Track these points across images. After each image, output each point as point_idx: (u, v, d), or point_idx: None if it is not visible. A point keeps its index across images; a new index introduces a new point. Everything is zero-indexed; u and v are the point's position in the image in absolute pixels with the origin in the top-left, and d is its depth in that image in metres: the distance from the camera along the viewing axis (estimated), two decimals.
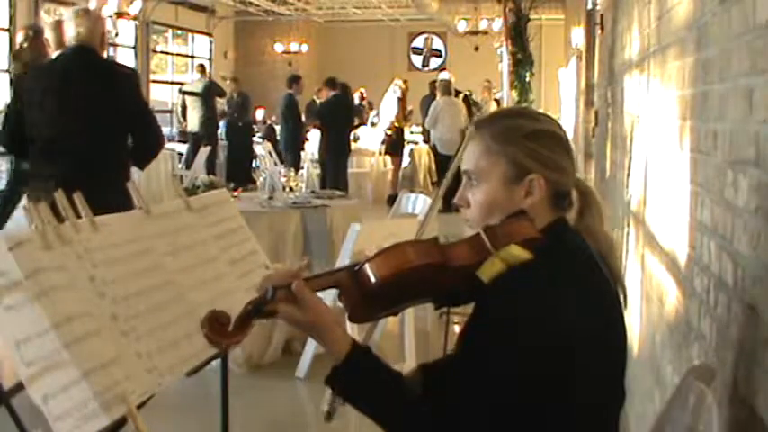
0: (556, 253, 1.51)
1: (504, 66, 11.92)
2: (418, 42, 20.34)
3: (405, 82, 12.61)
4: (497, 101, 14.01)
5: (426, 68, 19.77)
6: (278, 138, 12.12)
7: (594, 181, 6.24)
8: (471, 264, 1.50)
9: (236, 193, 5.73)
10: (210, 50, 18.07)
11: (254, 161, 12.20)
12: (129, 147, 4.07)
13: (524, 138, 1.57)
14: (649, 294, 2.84)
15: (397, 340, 4.59)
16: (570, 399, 1.46)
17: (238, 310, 1.49)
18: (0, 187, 5.52)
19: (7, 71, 6.33)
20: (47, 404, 1.48)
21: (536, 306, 1.45)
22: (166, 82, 16.55)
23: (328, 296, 1.58)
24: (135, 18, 13.23)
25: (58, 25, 4.31)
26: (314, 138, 11.58)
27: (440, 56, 20.23)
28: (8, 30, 11.18)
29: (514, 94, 11.36)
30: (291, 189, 5.60)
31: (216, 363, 2.10)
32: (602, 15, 6.02)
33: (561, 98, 14.00)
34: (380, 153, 12.38)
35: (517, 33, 11.23)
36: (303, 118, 11.68)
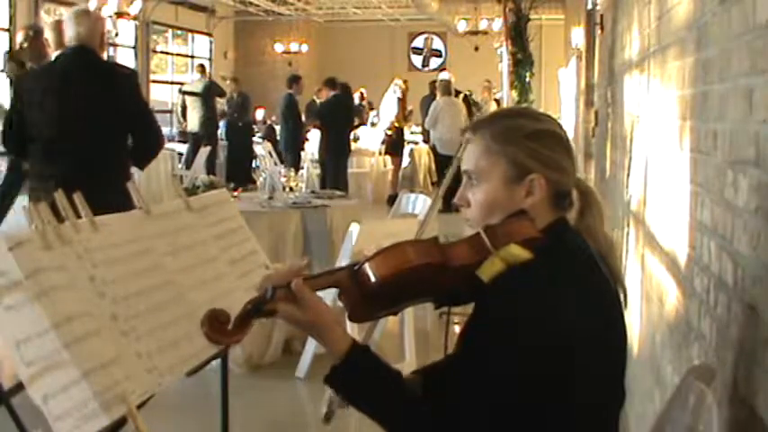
0: (556, 253, 1.51)
1: (504, 66, 11.91)
2: (418, 42, 20.34)
3: (405, 82, 12.61)
4: (497, 101, 14.01)
5: (426, 68, 19.77)
6: (278, 138, 12.12)
7: (594, 181, 6.23)
8: (471, 263, 1.50)
9: (236, 193, 5.73)
10: (210, 50, 18.08)
11: (254, 161, 12.20)
12: (128, 147, 4.08)
13: (525, 138, 1.57)
14: (649, 294, 2.84)
15: (397, 340, 4.60)
16: (570, 399, 1.46)
17: (238, 309, 1.49)
18: None
19: (2, 71, 6.31)
20: (47, 404, 1.48)
21: (536, 306, 1.45)
22: (166, 82, 16.56)
23: (328, 296, 1.58)
24: (135, 18, 13.24)
25: (57, 25, 4.32)
26: (314, 138, 11.58)
27: (440, 56, 20.24)
28: (8, 30, 11.18)
29: (514, 94, 11.36)
30: (291, 189, 5.60)
31: (216, 363, 2.09)
32: (602, 15, 6.02)
33: (561, 98, 13.99)
34: (380, 153, 12.38)
35: (517, 33, 11.22)
36: (303, 118, 11.68)
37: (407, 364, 4.23)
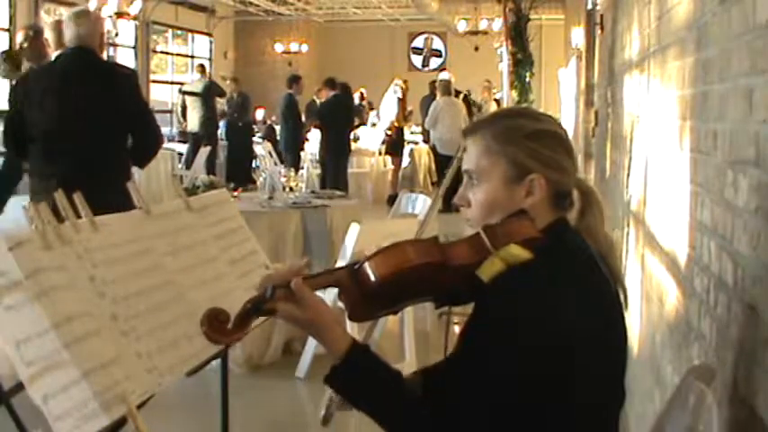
0: (556, 253, 1.51)
1: (504, 66, 11.91)
2: (418, 42, 20.34)
3: (405, 82, 12.61)
4: (497, 101, 14.01)
5: (426, 68, 19.77)
6: (278, 138, 12.11)
7: (594, 181, 6.23)
8: (471, 263, 1.50)
9: (236, 193, 5.73)
10: (210, 50, 18.08)
11: (254, 161, 12.20)
12: (128, 146, 4.08)
13: (525, 138, 1.57)
14: (649, 294, 2.84)
15: (397, 340, 4.60)
16: (570, 399, 1.46)
17: (238, 309, 1.49)
18: None
19: None
20: (47, 404, 1.48)
21: (536, 306, 1.45)
22: (166, 82, 16.56)
23: (329, 296, 1.58)
24: (135, 18, 13.24)
25: (57, 25, 4.32)
26: (314, 138, 11.58)
27: (440, 56, 20.23)
28: (8, 30, 11.18)
29: (514, 94, 11.36)
30: (291, 189, 5.60)
31: (216, 363, 2.09)
32: (602, 15, 6.02)
33: (561, 98, 14.00)
34: (380, 153, 12.38)
35: (517, 33, 11.22)
36: (303, 118, 11.68)
37: (407, 364, 4.23)
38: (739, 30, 1.59)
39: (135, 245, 1.85)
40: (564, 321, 1.44)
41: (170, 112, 15.22)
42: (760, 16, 1.44)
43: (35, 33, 5.21)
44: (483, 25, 16.83)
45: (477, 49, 17.79)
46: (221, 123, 12.38)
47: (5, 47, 10.59)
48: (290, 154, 11.22)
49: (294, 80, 11.37)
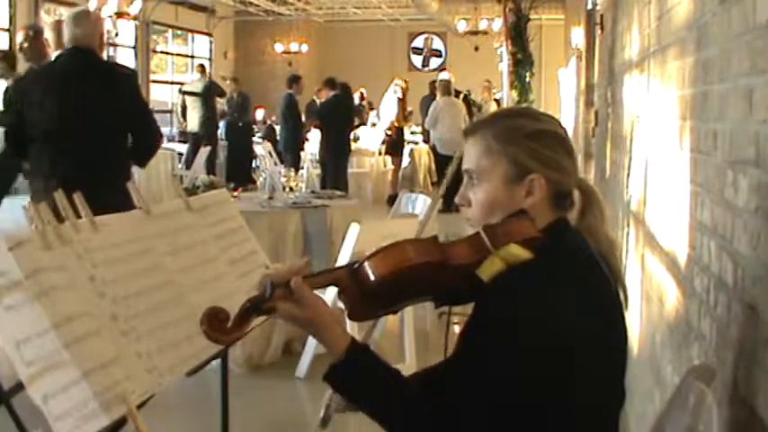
0: (556, 253, 1.51)
1: (504, 66, 11.92)
2: (418, 42, 20.34)
3: (405, 82, 12.61)
4: (497, 101, 14.01)
5: (426, 68, 19.77)
6: (278, 138, 12.11)
7: (594, 181, 6.23)
8: (471, 263, 1.50)
9: (236, 193, 5.72)
10: (210, 50, 18.08)
11: (254, 161, 12.20)
12: (128, 146, 4.08)
13: (525, 138, 1.57)
14: (649, 294, 2.84)
15: (397, 340, 4.60)
16: (570, 399, 1.46)
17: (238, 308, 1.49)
18: None
19: None
20: (47, 404, 1.48)
21: (536, 306, 1.45)
22: (166, 82, 16.56)
23: (329, 296, 1.58)
24: (135, 18, 13.24)
25: (57, 25, 4.33)
26: (314, 138, 11.58)
27: (440, 56, 20.23)
28: (8, 30, 11.18)
29: (514, 94, 11.37)
30: (291, 189, 5.60)
31: (216, 363, 2.10)
32: (602, 15, 6.02)
33: (561, 98, 14.00)
34: (380, 153, 12.37)
35: (517, 33, 11.23)
36: (303, 118, 11.68)
37: (407, 365, 4.24)
38: (739, 30, 1.59)
39: (135, 245, 1.86)
40: (564, 321, 1.44)
41: (170, 112, 15.22)
42: (760, 16, 1.44)
43: (35, 33, 5.22)
44: (483, 25, 16.83)
45: (477, 49, 17.79)
46: (221, 123, 12.38)
47: (5, 47, 10.61)
48: (289, 154, 11.22)
49: (294, 80, 11.37)
